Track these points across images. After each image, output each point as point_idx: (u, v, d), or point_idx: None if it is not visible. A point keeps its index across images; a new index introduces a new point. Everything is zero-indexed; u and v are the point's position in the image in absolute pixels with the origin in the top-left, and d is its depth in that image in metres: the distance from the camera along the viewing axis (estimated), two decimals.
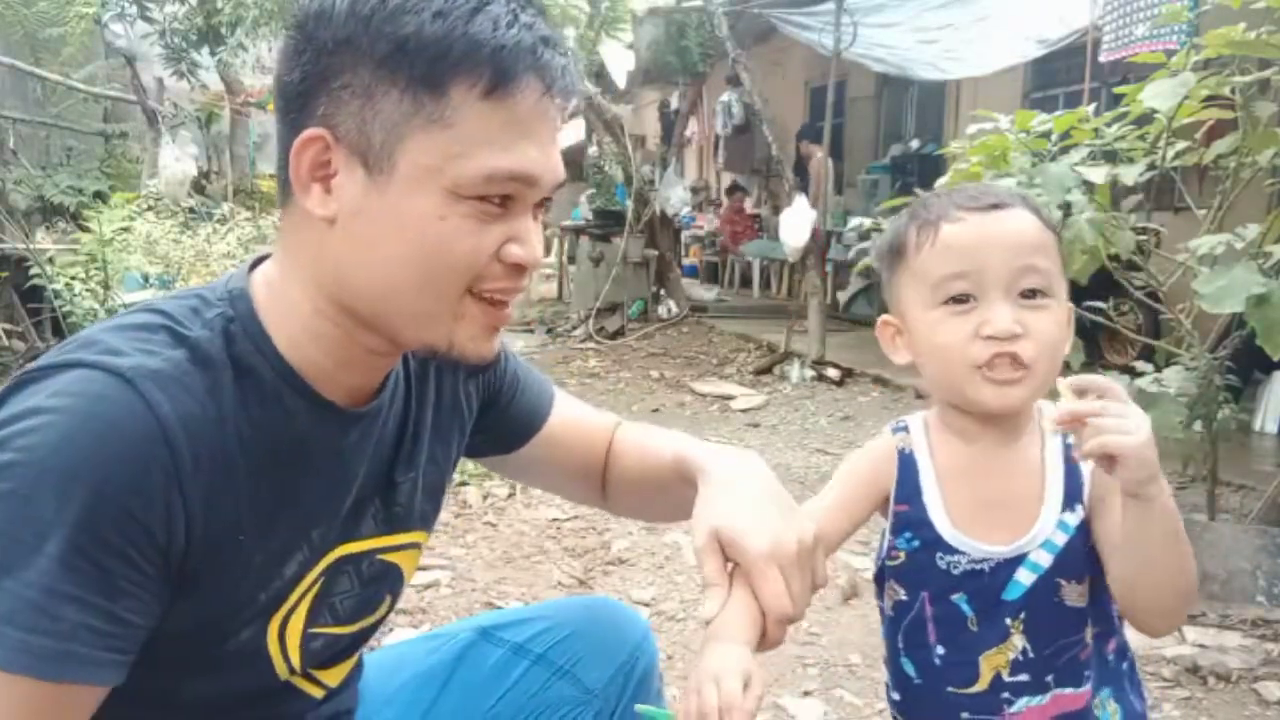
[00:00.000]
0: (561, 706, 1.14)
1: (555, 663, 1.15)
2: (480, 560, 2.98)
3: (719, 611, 0.93)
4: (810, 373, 6.10)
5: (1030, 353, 0.94)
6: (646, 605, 2.69)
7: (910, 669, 1.04)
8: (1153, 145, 2.58)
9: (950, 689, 1.01)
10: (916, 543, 1.02)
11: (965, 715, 1.01)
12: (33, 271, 5.17)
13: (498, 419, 1.11)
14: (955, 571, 1.00)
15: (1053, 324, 0.97)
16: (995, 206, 0.98)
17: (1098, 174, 2.44)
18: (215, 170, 9.84)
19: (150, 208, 6.44)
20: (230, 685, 0.88)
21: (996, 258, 0.95)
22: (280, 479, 0.84)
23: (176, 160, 7.91)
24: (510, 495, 3.55)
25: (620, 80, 8.97)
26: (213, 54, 8.05)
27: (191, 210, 7.16)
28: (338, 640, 0.97)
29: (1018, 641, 0.99)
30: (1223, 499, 3.17)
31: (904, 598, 1.03)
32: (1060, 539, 0.98)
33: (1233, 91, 2.46)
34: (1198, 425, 2.68)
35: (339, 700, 1.03)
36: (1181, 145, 2.60)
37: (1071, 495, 0.99)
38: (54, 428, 0.71)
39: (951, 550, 1.00)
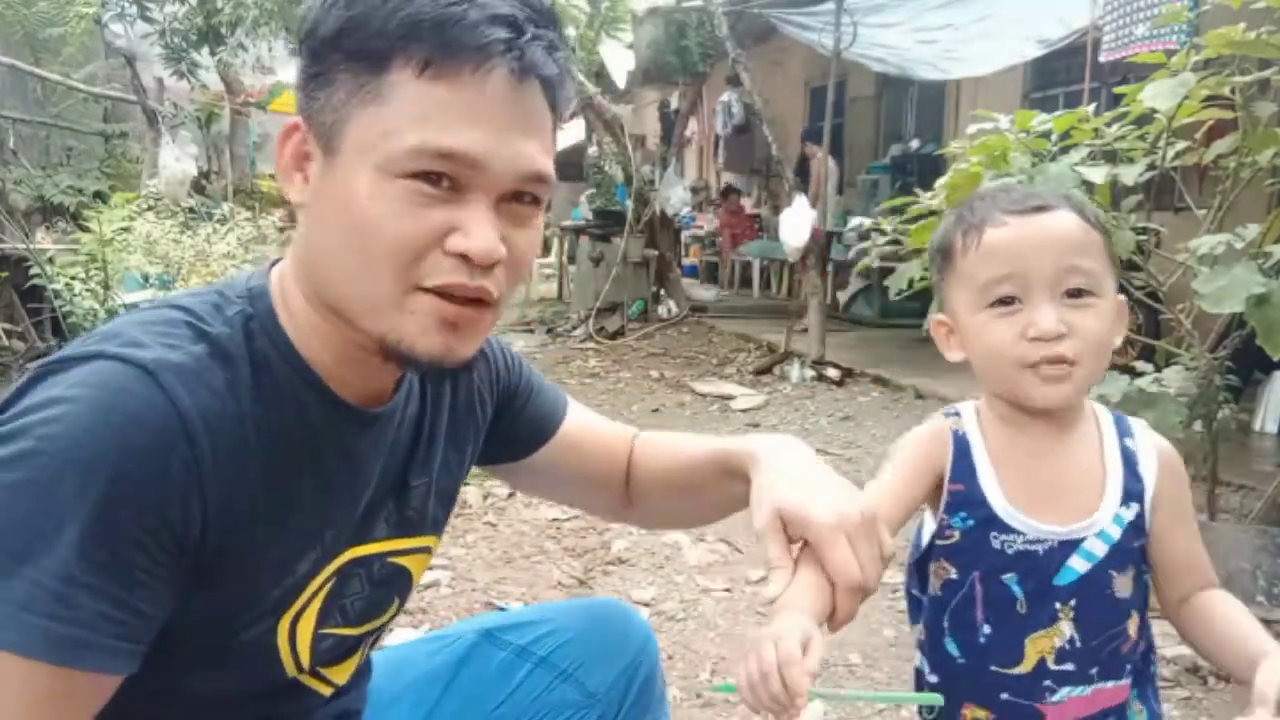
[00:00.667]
0: (564, 710, 1.14)
1: (558, 666, 1.15)
2: (480, 560, 2.98)
3: (783, 591, 0.90)
4: (810, 373, 6.10)
5: (1075, 350, 0.98)
6: (646, 605, 2.69)
7: (954, 649, 1.05)
8: (1153, 145, 2.58)
9: (994, 668, 1.03)
10: (971, 521, 1.03)
11: (1005, 696, 1.03)
12: (33, 271, 5.17)
13: (512, 423, 1.11)
14: (1009, 551, 1.02)
15: (1097, 321, 1.00)
16: (1038, 209, 1.01)
17: (1098, 174, 2.44)
18: (215, 170, 9.83)
19: (150, 208, 6.43)
20: (239, 681, 0.88)
21: (1040, 260, 0.99)
22: (295, 476, 0.84)
23: (176, 160, 7.91)
24: (510, 495, 3.55)
25: (620, 80, 8.96)
26: (213, 54, 8.04)
27: (191, 210, 7.15)
28: (346, 640, 0.97)
29: (1065, 629, 1.01)
30: (1223, 499, 3.16)
31: (954, 577, 1.04)
32: (1115, 532, 1.02)
33: (1233, 91, 2.46)
34: (1198, 425, 2.68)
35: (347, 699, 1.03)
36: (1181, 145, 2.60)
37: (1130, 494, 1.03)
38: (75, 418, 0.71)
39: (1007, 529, 1.02)
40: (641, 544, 3.15)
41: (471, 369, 1.03)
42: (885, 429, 4.87)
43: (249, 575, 0.82)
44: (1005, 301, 1.00)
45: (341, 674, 1.00)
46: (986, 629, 1.03)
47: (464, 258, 0.77)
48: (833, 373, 6.04)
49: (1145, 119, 2.56)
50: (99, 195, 7.64)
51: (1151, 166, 2.57)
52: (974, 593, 1.03)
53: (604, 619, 1.20)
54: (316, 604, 0.90)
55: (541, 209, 0.85)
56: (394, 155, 0.75)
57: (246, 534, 0.80)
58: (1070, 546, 1.01)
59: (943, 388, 5.48)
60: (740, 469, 1.01)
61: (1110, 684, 1.03)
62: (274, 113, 10.21)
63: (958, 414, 1.10)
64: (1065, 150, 2.53)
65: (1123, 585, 1.03)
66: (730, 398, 5.63)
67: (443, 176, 0.76)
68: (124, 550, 0.71)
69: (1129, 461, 1.05)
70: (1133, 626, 1.04)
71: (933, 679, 1.08)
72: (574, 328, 8.19)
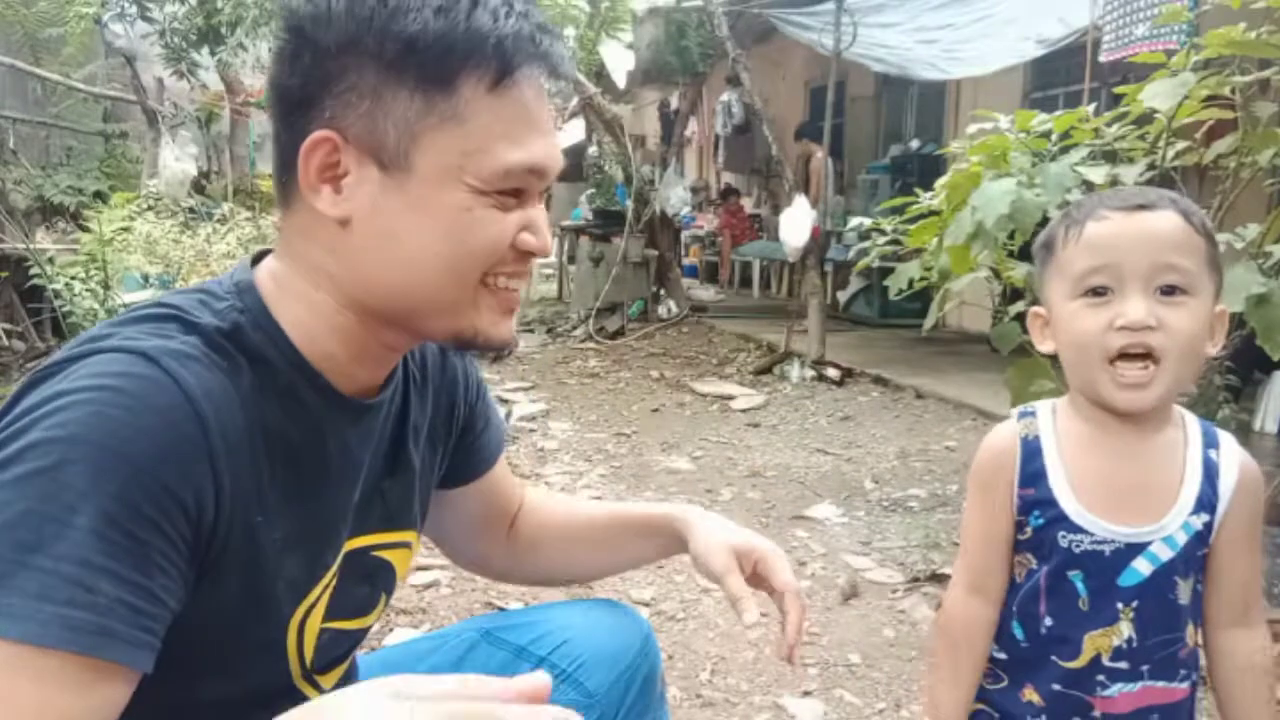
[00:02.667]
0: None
1: (558, 666, 1.14)
2: None
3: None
4: (810, 373, 6.10)
5: (1162, 345, 0.98)
6: (646, 605, 2.69)
7: (1019, 633, 1.08)
8: (1153, 145, 2.58)
9: (1053, 658, 1.06)
10: (1042, 520, 1.05)
11: (1056, 686, 1.06)
12: (33, 271, 5.17)
13: (468, 446, 1.12)
14: (1076, 550, 1.04)
15: (1189, 320, 0.99)
16: (1142, 207, 1.01)
17: (1098, 174, 2.44)
18: (215, 170, 9.83)
19: (150, 208, 6.44)
20: (247, 685, 0.87)
21: (1136, 254, 0.99)
22: (294, 467, 0.84)
23: (176, 160, 7.91)
24: None
25: (620, 80, 8.96)
26: (213, 54, 8.03)
27: (191, 210, 7.16)
28: (344, 638, 0.97)
29: (1124, 629, 1.03)
30: None
31: (1034, 567, 1.08)
32: (1182, 538, 1.03)
33: (1233, 91, 2.46)
34: None
35: None
36: (1181, 145, 2.60)
37: (1204, 502, 1.04)
38: (82, 405, 0.70)
39: (1075, 528, 1.04)
40: None
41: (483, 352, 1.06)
42: (885, 429, 4.87)
43: (255, 565, 0.82)
44: (1098, 292, 1.01)
45: (330, 679, 0.99)
46: (1048, 621, 1.06)
47: (528, 253, 0.85)
48: (833, 373, 6.04)
49: (1145, 119, 2.56)
50: (99, 195, 7.64)
51: (1151, 166, 2.57)
52: (1039, 585, 1.06)
53: (604, 619, 1.20)
54: (325, 599, 0.91)
55: None
56: (486, 173, 0.80)
57: (252, 519, 0.80)
58: (1137, 549, 1.02)
59: (943, 387, 5.49)
60: (666, 529, 1.17)
61: (1160, 684, 1.04)
62: (269, 115, 10.20)
63: (1033, 414, 1.11)
64: (1065, 150, 2.53)
65: (1185, 591, 1.04)
66: (730, 398, 5.63)
67: (519, 187, 0.83)
68: (141, 532, 0.70)
69: (1209, 472, 1.05)
70: (1191, 634, 1.05)
71: (1000, 655, 1.11)
72: (574, 328, 8.19)
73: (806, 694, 2.23)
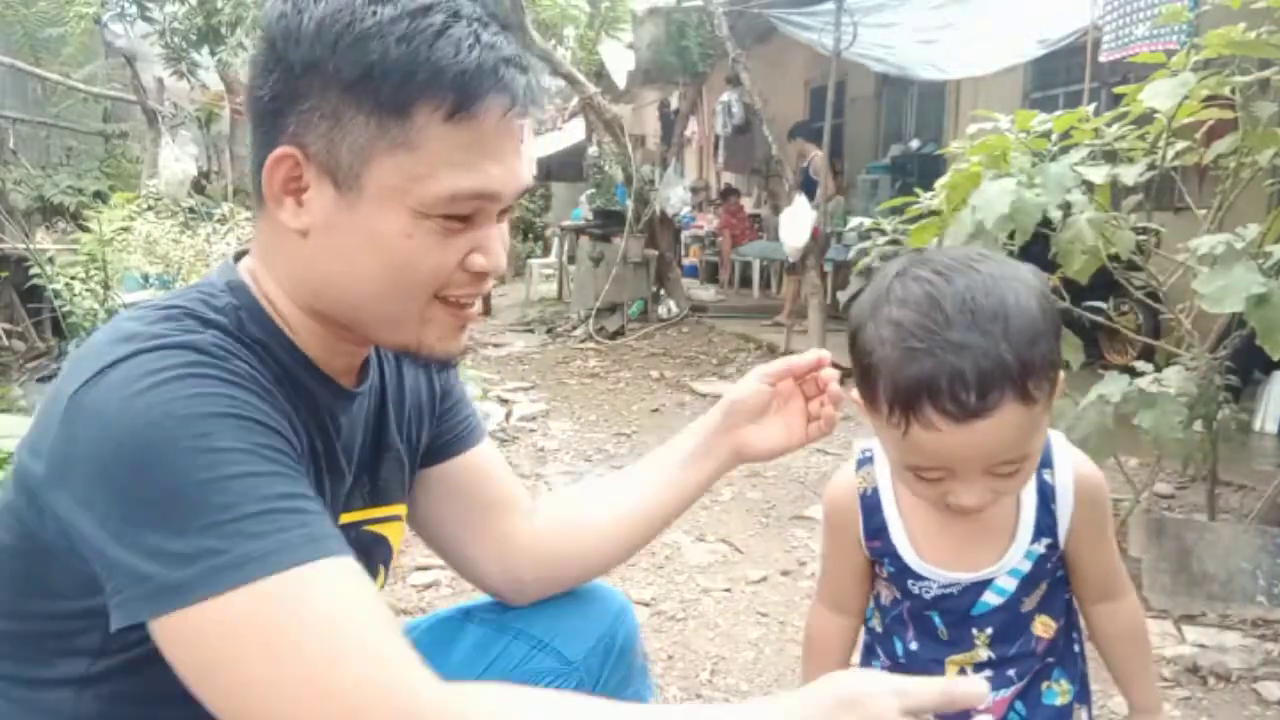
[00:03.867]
0: (543, 678, 1.16)
1: (535, 637, 1.17)
2: None
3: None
4: None
5: (999, 505, 1.00)
6: (647, 605, 2.69)
7: (896, 648, 1.14)
8: (1153, 145, 2.58)
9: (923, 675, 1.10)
10: (892, 569, 1.10)
11: None
12: (33, 271, 5.18)
13: (441, 419, 1.14)
14: (927, 595, 1.08)
15: (1024, 479, 0.98)
16: (977, 415, 0.87)
17: (1098, 174, 2.44)
18: (215, 170, 9.84)
19: (150, 208, 6.44)
20: None
21: (971, 460, 0.92)
22: (309, 438, 0.90)
23: (176, 160, 7.91)
24: None
25: (620, 80, 8.97)
26: (213, 54, 8.04)
27: (191, 210, 7.16)
28: None
29: (981, 652, 1.08)
30: (1223, 499, 3.17)
31: (898, 597, 1.12)
32: (1026, 566, 1.06)
33: (1233, 91, 2.46)
34: (1198, 425, 2.68)
35: None
36: (1181, 145, 2.60)
37: (1042, 529, 1.05)
38: (174, 389, 0.74)
39: (921, 578, 1.08)
40: None
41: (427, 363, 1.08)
42: None
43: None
44: (930, 477, 0.95)
45: None
46: (914, 645, 1.12)
47: (480, 274, 0.87)
48: None
49: (1145, 119, 2.56)
50: (99, 195, 7.65)
51: (1151, 166, 2.57)
52: (903, 616, 1.12)
53: (578, 592, 1.22)
54: None
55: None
56: (430, 199, 0.82)
57: (308, 471, 0.86)
58: (983, 585, 1.06)
59: None
60: (705, 424, 1.20)
61: (1026, 679, 1.10)
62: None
63: (870, 460, 1.11)
64: (1065, 150, 2.53)
65: (1031, 600, 1.08)
66: None
67: (469, 214, 0.84)
68: (291, 463, 0.78)
69: (1044, 497, 1.05)
70: (1041, 628, 1.09)
71: (884, 664, 1.15)
72: (574, 328, 8.19)
73: None
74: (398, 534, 1.08)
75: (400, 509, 1.08)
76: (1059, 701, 1.11)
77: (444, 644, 1.19)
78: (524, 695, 0.84)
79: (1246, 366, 3.82)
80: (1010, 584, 1.05)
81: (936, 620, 1.09)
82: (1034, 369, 0.88)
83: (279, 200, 0.85)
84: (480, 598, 1.24)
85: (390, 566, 1.09)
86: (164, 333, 0.79)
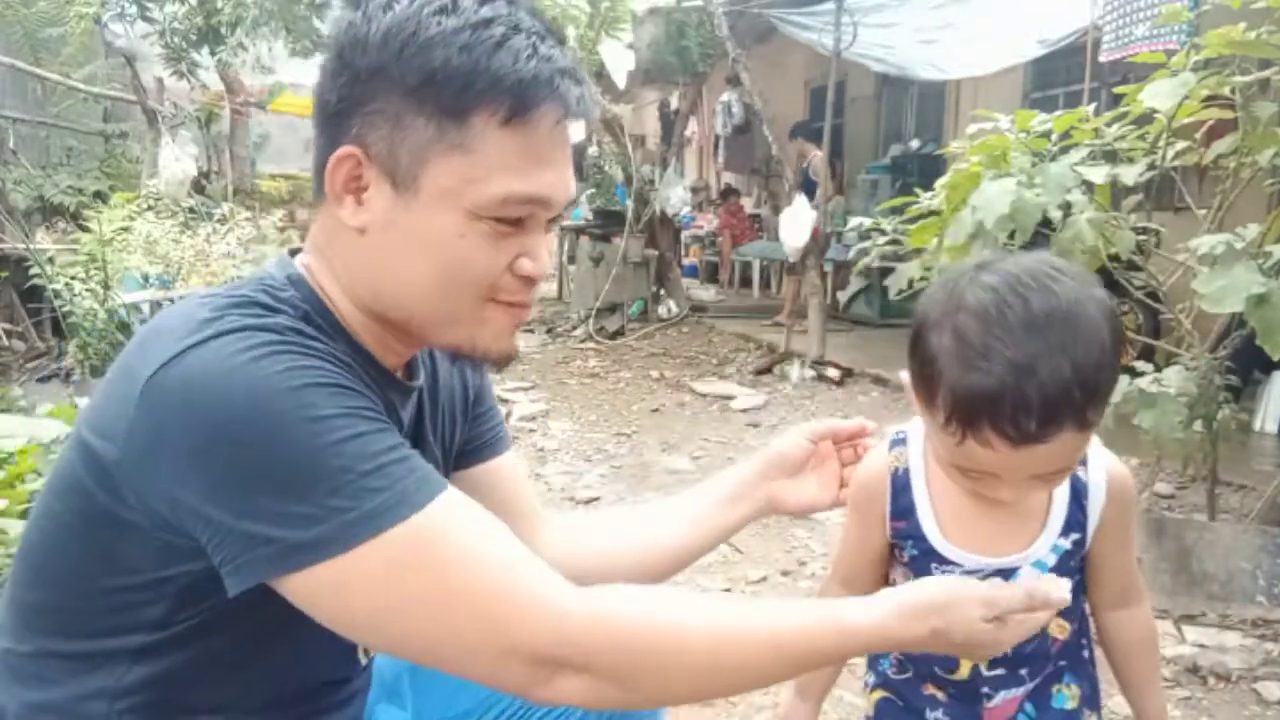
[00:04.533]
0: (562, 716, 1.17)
1: None
2: None
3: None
4: (810, 373, 6.10)
5: (1031, 499, 1.02)
6: None
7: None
8: (1153, 145, 2.58)
9: (937, 669, 1.11)
10: (916, 551, 1.09)
11: (953, 692, 1.11)
12: (33, 271, 5.18)
13: (474, 422, 1.16)
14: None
15: (1061, 480, 1.00)
16: (1035, 440, 0.88)
17: (1098, 174, 2.44)
18: (215, 170, 9.83)
19: (150, 208, 6.43)
20: (315, 631, 0.87)
21: (1019, 472, 0.94)
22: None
23: (176, 160, 7.89)
24: None
25: (620, 80, 8.94)
26: (213, 54, 8.03)
27: (191, 210, 7.15)
28: None
29: None
30: (1223, 499, 3.17)
31: None
32: (1051, 560, 1.05)
33: (1233, 91, 2.46)
34: (1198, 425, 2.68)
35: (367, 674, 1.06)
36: (1181, 145, 2.60)
37: (1071, 524, 1.06)
38: (264, 365, 0.78)
39: (946, 560, 1.06)
40: None
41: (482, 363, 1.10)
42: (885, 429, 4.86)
43: None
44: (973, 475, 0.98)
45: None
46: None
47: (528, 278, 0.90)
48: (833, 373, 6.04)
49: (1145, 119, 2.56)
50: (99, 195, 7.64)
51: (1151, 166, 2.57)
52: None
53: None
54: None
55: None
56: (484, 202, 0.85)
57: None
58: (1006, 573, 1.05)
59: None
60: (741, 473, 1.23)
61: (1037, 680, 1.10)
62: (274, 112, 10.21)
63: (904, 441, 1.11)
64: (1065, 150, 2.53)
65: None
66: (730, 398, 5.63)
67: (520, 218, 0.87)
68: (380, 421, 0.82)
69: (1077, 494, 1.05)
70: (1057, 628, 1.09)
71: (886, 664, 1.17)
72: (574, 328, 8.19)
73: None
74: None
75: None
76: (1069, 705, 1.11)
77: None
78: (653, 595, 0.91)
79: (1246, 366, 3.82)
80: (1033, 575, 1.05)
81: None
82: (1096, 397, 0.89)
83: (340, 198, 0.88)
84: None
85: None
86: (240, 317, 0.82)
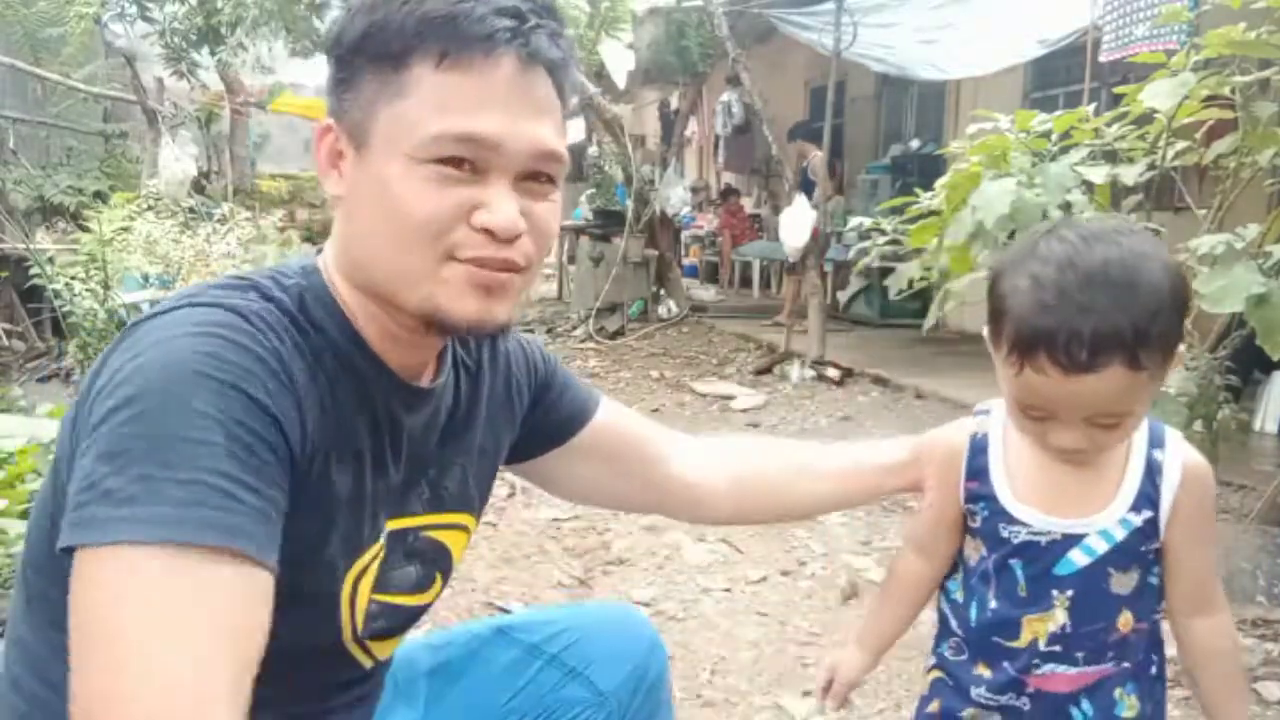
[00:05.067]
0: (573, 707, 1.16)
1: (568, 664, 1.17)
2: (480, 560, 2.98)
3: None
4: (810, 373, 6.10)
5: (1095, 456, 1.05)
6: (646, 605, 2.69)
7: (973, 614, 1.15)
8: (1153, 145, 2.58)
9: (995, 638, 1.13)
10: (986, 512, 1.12)
11: (1005, 664, 1.12)
12: (33, 271, 5.18)
13: (546, 413, 1.15)
14: (1015, 540, 1.09)
15: (1122, 434, 1.03)
16: (1087, 368, 0.95)
17: (1098, 174, 2.44)
18: (215, 170, 9.83)
19: (150, 208, 6.43)
20: (298, 635, 0.87)
21: (1073, 409, 0.99)
22: (355, 431, 0.90)
23: (176, 160, 7.90)
24: (510, 495, 3.55)
25: (620, 80, 8.95)
26: (213, 54, 8.04)
27: (191, 210, 7.15)
28: (395, 612, 0.99)
29: (1060, 615, 1.08)
30: (1223, 499, 3.17)
31: (984, 553, 1.14)
32: (1119, 533, 1.07)
33: (1233, 91, 2.46)
34: (1198, 425, 2.68)
35: (375, 679, 1.05)
36: (1181, 145, 2.60)
37: (1143, 500, 1.07)
38: (194, 342, 0.77)
39: (1013, 520, 1.10)
40: (641, 544, 3.15)
41: (505, 338, 1.09)
42: (885, 429, 4.86)
43: (325, 509, 0.87)
44: (1034, 415, 1.03)
45: (384, 649, 1.03)
46: (993, 604, 1.12)
47: (489, 233, 0.84)
48: (833, 373, 6.04)
49: (1145, 119, 2.56)
50: (99, 195, 7.64)
51: (1151, 166, 2.57)
52: (989, 571, 1.13)
53: (614, 621, 1.23)
54: (374, 569, 0.94)
55: (558, 187, 0.91)
56: (419, 142, 0.82)
57: (324, 469, 0.86)
58: (1072, 541, 1.07)
59: (943, 387, 5.48)
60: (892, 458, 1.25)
61: (1093, 668, 1.10)
62: (274, 112, 10.22)
63: (988, 412, 1.17)
64: (1065, 150, 2.53)
65: (1121, 583, 1.08)
66: (730, 398, 5.63)
67: (464, 161, 0.83)
68: (260, 451, 0.76)
69: (1151, 471, 1.08)
70: (1123, 621, 1.09)
71: (959, 633, 1.17)
72: (574, 328, 8.19)
73: (806, 694, 2.23)
74: (461, 544, 1.07)
75: (466, 519, 1.07)
76: (1126, 714, 1.11)
77: (479, 660, 1.19)
78: None
79: (1246, 366, 3.82)
80: (1100, 546, 1.07)
81: (1019, 572, 1.10)
82: (1148, 340, 0.95)
83: (326, 173, 0.89)
84: (511, 615, 1.25)
85: (448, 577, 1.08)
86: (218, 295, 0.83)
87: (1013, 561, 1.10)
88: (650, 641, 1.23)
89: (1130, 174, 2.50)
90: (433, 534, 1.02)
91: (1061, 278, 0.97)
